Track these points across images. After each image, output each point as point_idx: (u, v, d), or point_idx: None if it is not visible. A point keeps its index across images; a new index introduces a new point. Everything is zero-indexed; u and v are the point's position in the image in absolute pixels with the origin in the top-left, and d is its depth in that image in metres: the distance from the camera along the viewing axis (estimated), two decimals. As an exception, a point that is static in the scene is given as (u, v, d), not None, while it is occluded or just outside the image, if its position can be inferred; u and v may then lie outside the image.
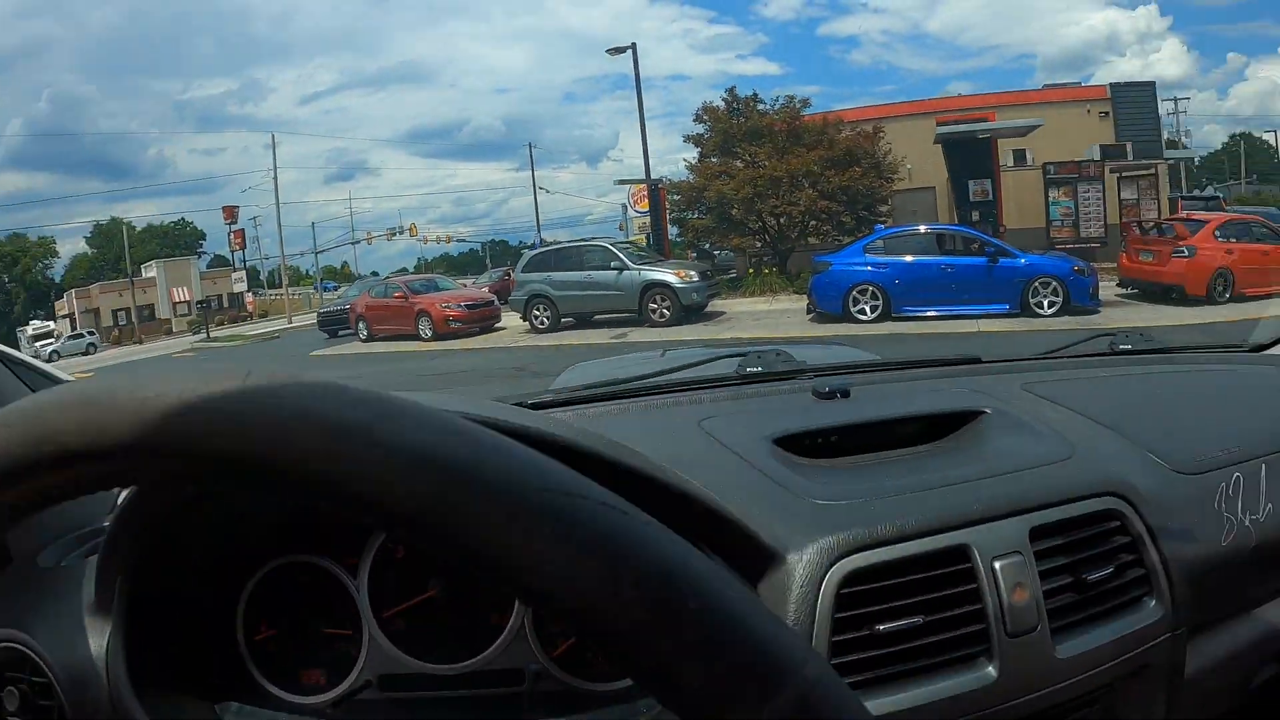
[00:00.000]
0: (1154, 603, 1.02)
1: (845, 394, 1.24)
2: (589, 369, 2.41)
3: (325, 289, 38.09)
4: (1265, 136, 58.43)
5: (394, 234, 38.86)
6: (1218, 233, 14.19)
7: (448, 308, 16.81)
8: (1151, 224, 16.62)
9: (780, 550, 0.86)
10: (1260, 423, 1.39)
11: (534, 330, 15.94)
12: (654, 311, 15.25)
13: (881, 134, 20.25)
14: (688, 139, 21.58)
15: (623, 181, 28.22)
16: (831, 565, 0.86)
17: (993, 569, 0.90)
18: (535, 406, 1.25)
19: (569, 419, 1.19)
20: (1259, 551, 1.16)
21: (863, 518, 0.91)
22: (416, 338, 16.62)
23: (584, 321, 16.25)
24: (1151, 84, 27.66)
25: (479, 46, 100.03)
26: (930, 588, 0.89)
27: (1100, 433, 1.19)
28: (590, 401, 1.33)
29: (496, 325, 17.32)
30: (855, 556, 0.87)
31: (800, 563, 0.85)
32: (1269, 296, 13.46)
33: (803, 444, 1.08)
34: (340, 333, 19.51)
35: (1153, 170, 21.68)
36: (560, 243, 21.73)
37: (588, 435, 0.76)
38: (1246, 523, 1.15)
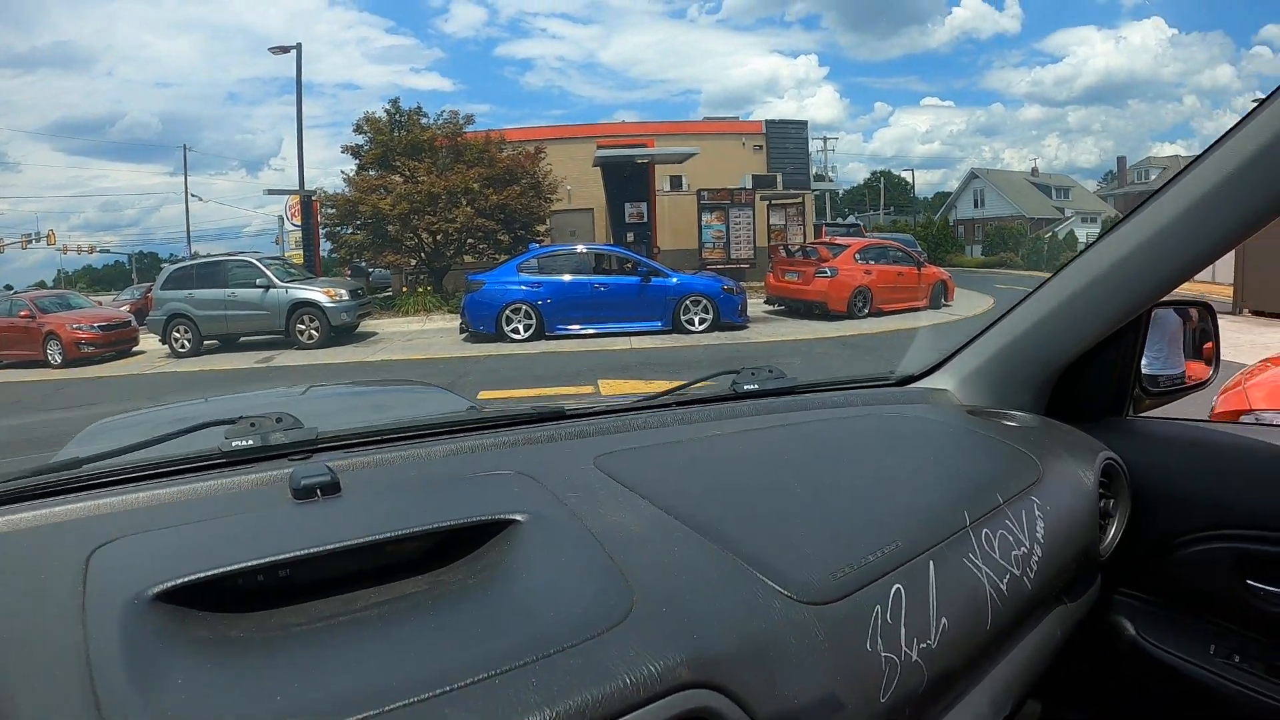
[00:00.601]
0: None
1: (334, 489, 0.99)
2: (109, 431, 1.99)
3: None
4: (903, 175, 72.83)
5: (30, 241, 35.71)
6: (858, 256, 17.57)
7: (80, 329, 16.09)
8: (797, 247, 20.23)
9: None
10: (921, 496, 1.24)
11: (174, 354, 15.80)
12: (302, 333, 15.73)
13: (543, 155, 22.62)
14: (345, 150, 22.52)
15: (275, 192, 28.77)
16: None
17: None
18: None
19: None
20: (934, 688, 0.99)
21: None
22: (45, 364, 15.77)
23: (229, 344, 16.27)
24: (804, 123, 33.34)
25: (144, 33, 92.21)
26: None
27: (686, 548, 0.94)
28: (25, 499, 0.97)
29: (134, 349, 16.90)
30: None
31: None
32: (903, 311, 17.20)
33: (230, 588, 0.80)
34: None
35: (800, 199, 26.24)
36: (202, 257, 21.43)
37: None
38: (914, 657, 0.95)
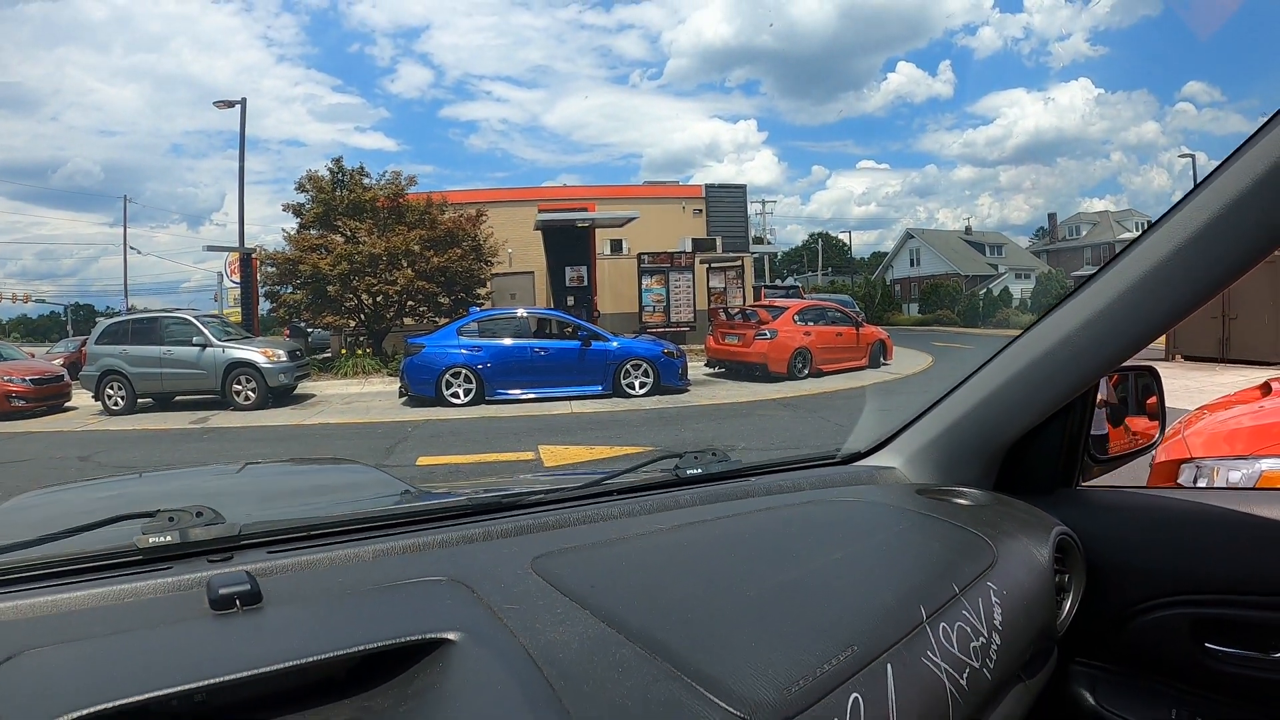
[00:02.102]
0: None
1: (254, 600, 0.95)
2: (24, 511, 1.89)
3: None
4: (841, 236, 75.39)
5: (-40, 287, 34.86)
6: (797, 317, 17.87)
7: (10, 381, 15.74)
8: (736, 310, 20.45)
9: None
10: (875, 592, 1.21)
11: (107, 412, 15.55)
12: (239, 393, 15.54)
13: (485, 217, 22.87)
14: (287, 207, 22.43)
15: (215, 248, 27.96)
16: None
17: None
18: None
19: None
20: None
21: None
22: (-27, 418, 15.12)
23: (164, 403, 16.13)
24: (743, 187, 34.19)
25: (91, 79, 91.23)
26: None
27: (631, 668, 0.90)
28: None
29: (66, 405, 16.63)
30: None
31: None
32: (843, 371, 17.57)
33: (145, 715, 0.77)
34: None
35: (739, 262, 27.00)
36: (139, 311, 21.05)
37: None
38: None
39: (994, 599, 1.30)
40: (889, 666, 1.02)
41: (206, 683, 0.80)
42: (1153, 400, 1.98)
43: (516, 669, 0.88)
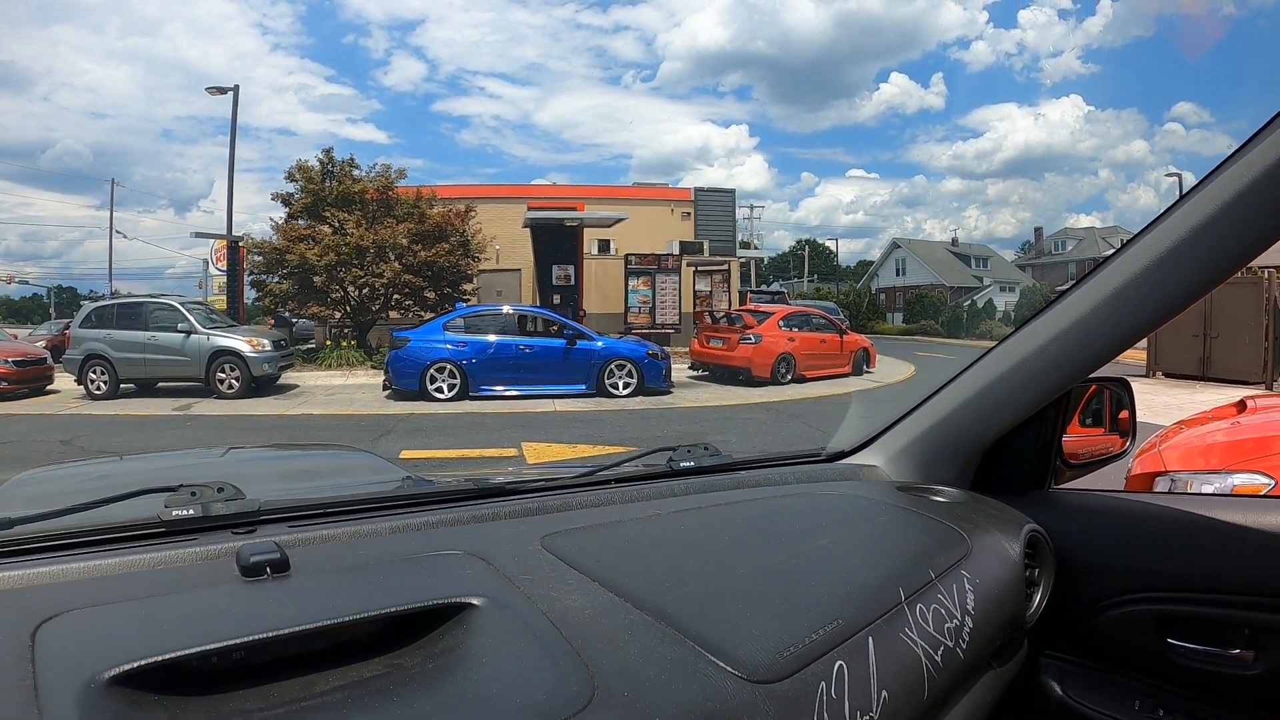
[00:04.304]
0: None
1: (283, 568, 1.00)
2: (34, 486, 1.94)
3: None
4: (828, 243, 75.61)
5: (-56, 266, 34.36)
6: (781, 323, 18.06)
7: None
8: (722, 313, 20.55)
9: None
10: (858, 575, 1.30)
11: (89, 396, 15.53)
12: (222, 381, 15.55)
13: (473, 213, 22.86)
14: (276, 197, 22.37)
15: (203, 235, 27.92)
16: None
17: None
18: None
19: None
20: None
21: None
22: (-45, 398, 15.14)
23: (146, 388, 16.11)
24: (732, 191, 34.52)
25: (83, 60, 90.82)
26: None
27: (640, 632, 0.98)
28: None
29: (48, 388, 16.60)
30: None
31: None
32: (825, 378, 17.77)
33: (185, 670, 0.81)
34: None
35: (726, 266, 27.19)
36: (123, 296, 20.87)
37: None
38: None
39: (968, 586, 1.38)
40: (870, 640, 1.11)
41: (244, 639, 0.83)
42: (1124, 412, 2.04)
43: (537, 630, 0.94)
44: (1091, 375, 1.71)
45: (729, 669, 0.95)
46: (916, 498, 1.73)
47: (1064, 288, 1.65)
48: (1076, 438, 1.95)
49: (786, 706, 0.95)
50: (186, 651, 0.81)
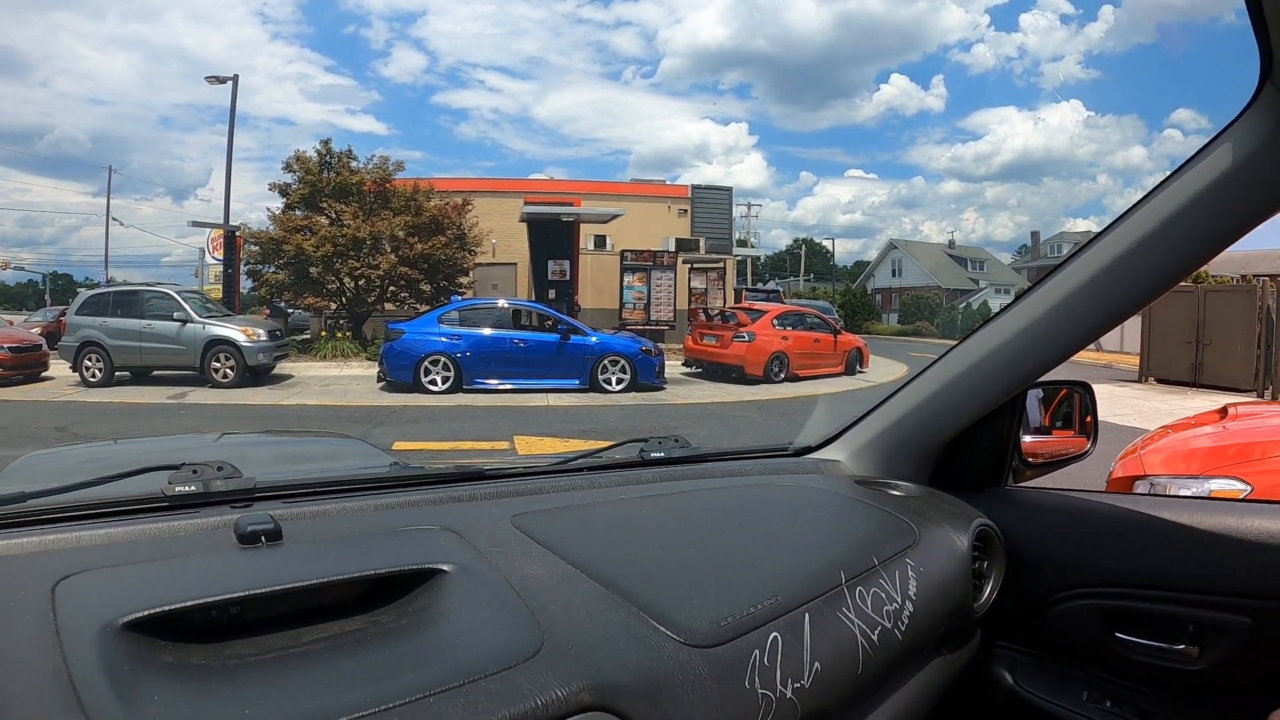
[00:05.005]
0: None
1: (276, 536, 1.08)
2: (41, 466, 2.02)
3: None
4: (824, 243, 75.64)
5: (-62, 252, 34.13)
6: (775, 321, 18.13)
7: None
8: (716, 311, 20.82)
9: None
10: (802, 558, 1.38)
11: (84, 383, 15.53)
12: (217, 371, 15.60)
13: (470, 206, 22.87)
14: (273, 187, 22.40)
15: (199, 224, 27.79)
16: None
17: None
18: None
19: None
20: None
21: None
22: (-50, 384, 15.10)
23: (141, 377, 16.09)
24: (729, 189, 34.44)
25: (82, 46, 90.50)
26: None
27: (591, 599, 1.07)
28: None
29: (43, 374, 16.62)
30: None
31: None
32: (819, 377, 17.85)
33: (188, 621, 0.89)
34: None
35: (722, 264, 27.17)
36: (119, 284, 20.87)
37: None
38: (789, 694, 1.10)
39: (910, 574, 1.46)
40: (806, 615, 1.19)
41: (240, 594, 0.92)
42: (1088, 415, 2.08)
43: (499, 593, 1.04)
44: (1055, 378, 1.79)
45: (669, 633, 1.04)
46: (872, 490, 1.80)
47: (1016, 296, 1.69)
48: (1038, 439, 2.01)
49: (719, 669, 1.04)
50: (188, 603, 0.89)
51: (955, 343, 1.81)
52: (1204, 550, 1.66)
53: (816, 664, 1.16)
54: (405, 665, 0.88)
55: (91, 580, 0.94)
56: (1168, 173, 1.39)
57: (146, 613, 0.86)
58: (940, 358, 1.83)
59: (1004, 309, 1.68)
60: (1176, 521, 1.71)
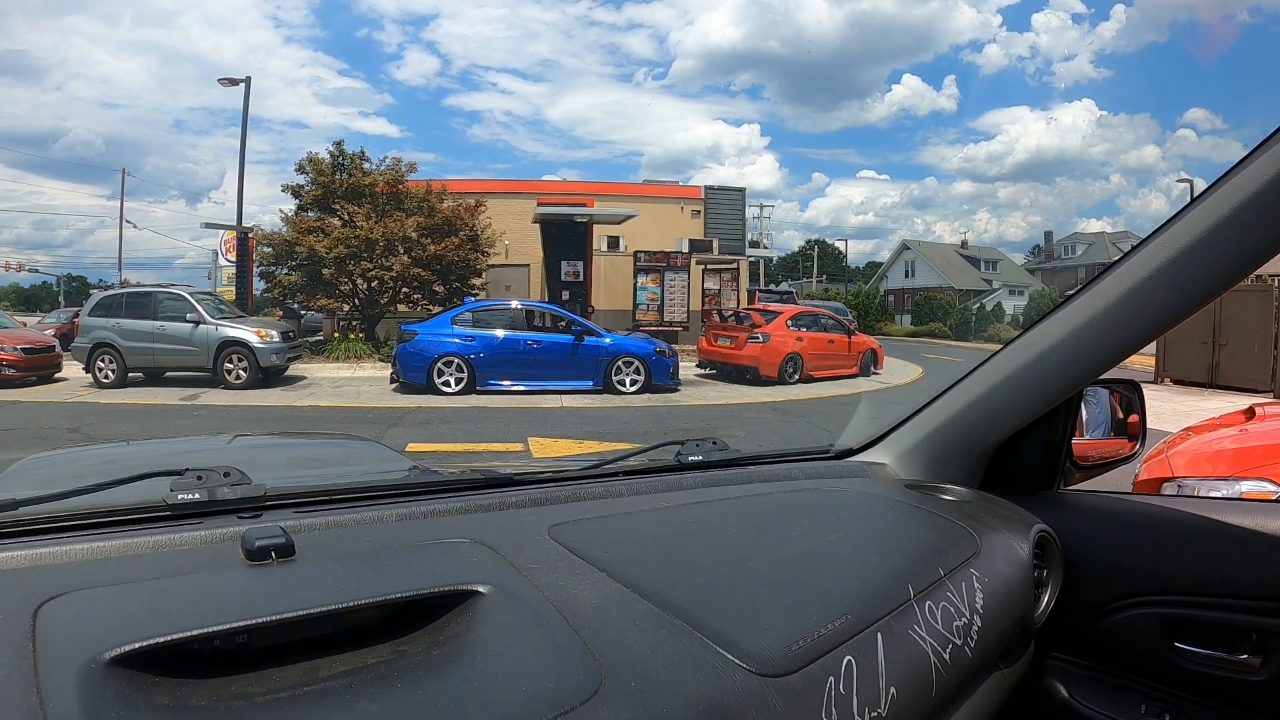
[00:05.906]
0: None
1: (288, 552, 0.98)
2: (39, 469, 1.95)
3: None
4: (837, 244, 75.56)
5: (-43, 251, 34.65)
6: (790, 323, 18.03)
7: (2, 350, 15.72)
8: (730, 312, 20.71)
9: None
10: (868, 568, 1.29)
11: (97, 384, 15.57)
12: (230, 372, 15.59)
13: (483, 207, 22.82)
14: (286, 189, 22.43)
15: (212, 225, 28.05)
16: None
17: None
18: None
19: None
20: None
21: None
22: (-36, 384, 15.22)
23: (154, 378, 16.09)
24: (742, 190, 34.55)
25: (98, 51, 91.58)
26: None
27: (647, 622, 0.97)
28: None
29: (56, 375, 16.70)
30: None
31: None
32: (833, 378, 17.70)
33: (187, 651, 0.80)
34: None
35: (735, 265, 27.04)
36: (132, 285, 20.92)
37: None
38: None
39: (976, 585, 1.38)
40: (879, 635, 1.10)
41: (248, 623, 0.82)
42: (1135, 415, 2.02)
43: (544, 618, 0.93)
44: (1103, 378, 1.72)
45: (737, 661, 0.94)
46: (925, 496, 1.72)
47: (1073, 290, 1.62)
48: (1089, 440, 1.94)
49: (794, 701, 0.94)
50: (189, 633, 0.80)
51: (1005, 343, 1.73)
52: (1267, 556, 1.59)
53: (892, 689, 1.06)
54: (441, 709, 0.78)
55: (79, 603, 0.84)
56: (1240, 158, 1.30)
57: (139, 645, 0.77)
58: (991, 356, 1.75)
59: (1064, 301, 1.59)
60: (1238, 525, 1.63)
